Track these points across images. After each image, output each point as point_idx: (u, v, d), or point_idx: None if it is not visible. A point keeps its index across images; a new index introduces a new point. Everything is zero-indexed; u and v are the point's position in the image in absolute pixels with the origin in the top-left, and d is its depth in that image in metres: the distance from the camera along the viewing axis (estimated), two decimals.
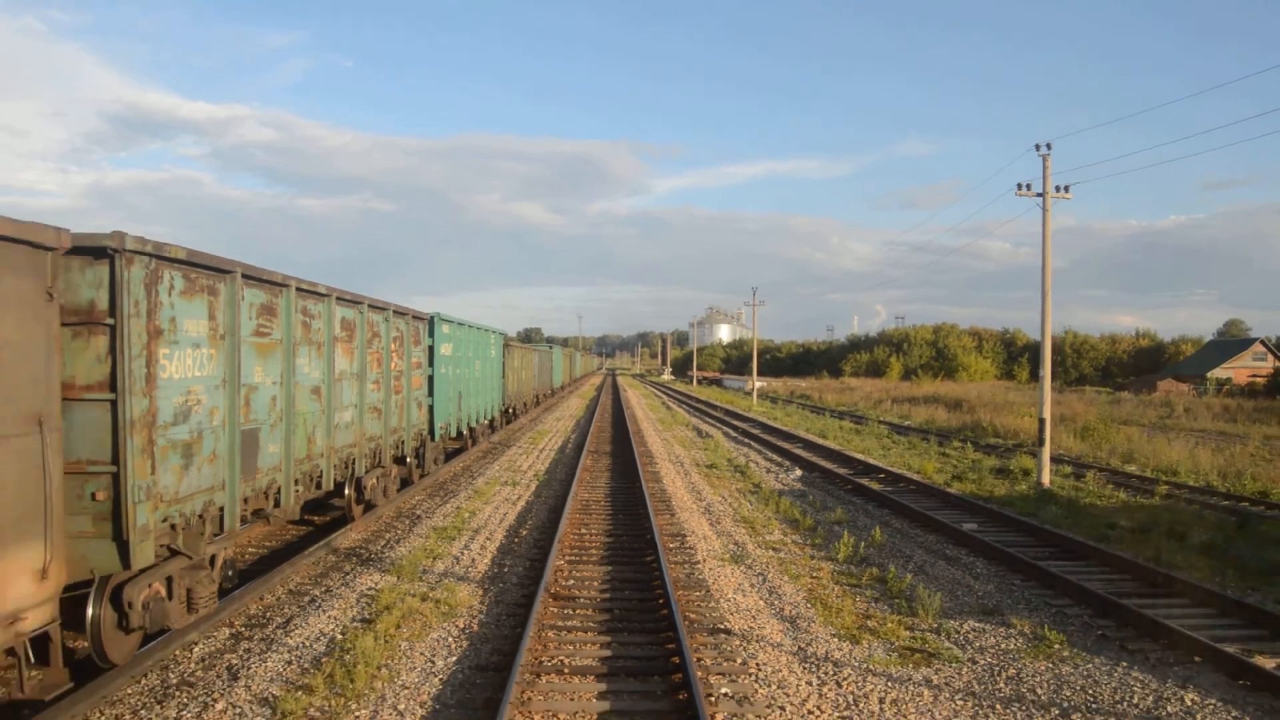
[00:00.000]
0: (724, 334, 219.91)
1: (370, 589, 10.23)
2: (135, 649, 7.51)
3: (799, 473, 22.19)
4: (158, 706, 6.87)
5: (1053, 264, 19.89)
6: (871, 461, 24.24)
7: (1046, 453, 19.80)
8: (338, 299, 11.18)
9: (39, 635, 6.12)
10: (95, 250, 6.50)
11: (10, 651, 5.96)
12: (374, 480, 13.04)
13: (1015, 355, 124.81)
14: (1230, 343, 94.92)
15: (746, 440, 31.38)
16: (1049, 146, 19.33)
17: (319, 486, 10.84)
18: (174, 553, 7.58)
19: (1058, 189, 19.67)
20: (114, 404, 6.36)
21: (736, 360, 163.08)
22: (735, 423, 39.49)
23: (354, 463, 12.03)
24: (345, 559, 11.83)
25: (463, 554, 12.16)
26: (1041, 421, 20.18)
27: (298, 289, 9.75)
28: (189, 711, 6.77)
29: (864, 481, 20.27)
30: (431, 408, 16.44)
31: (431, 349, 16.19)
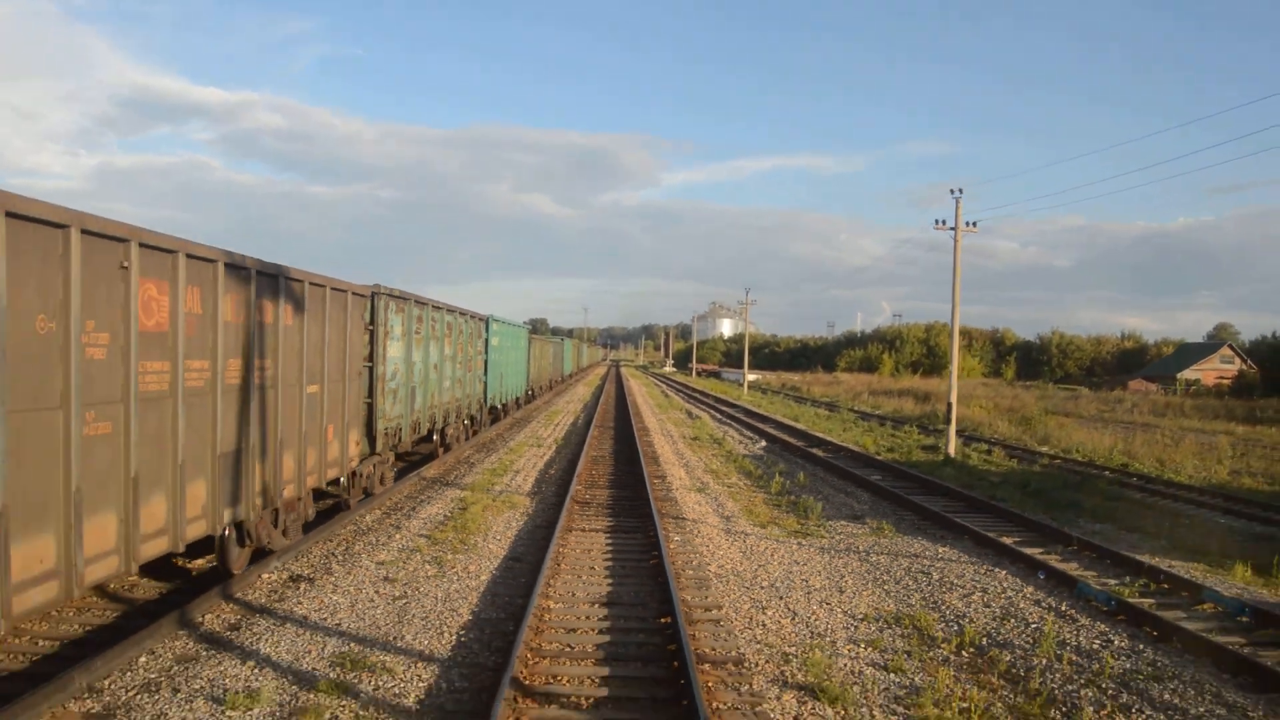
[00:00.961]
0: (726, 328, 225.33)
1: (457, 496, 15.80)
2: (360, 499, 13.26)
3: (764, 444, 27.78)
4: (374, 530, 12.46)
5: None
6: (827, 438, 29.81)
7: (953, 429, 25.36)
8: (445, 309, 16.81)
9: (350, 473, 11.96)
10: (370, 295, 12.26)
11: (342, 478, 11.72)
12: (452, 430, 18.67)
13: (1004, 354, 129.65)
14: (1201, 346, 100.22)
15: (729, 421, 36.98)
16: (961, 191, 24.81)
17: (431, 427, 16.52)
18: (383, 462, 13.26)
19: (968, 224, 25.16)
20: (371, 369, 12.14)
21: (736, 354, 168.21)
22: (723, 408, 45.07)
23: (445, 416, 17.67)
24: (432, 484, 17.40)
25: (511, 482, 17.74)
26: (949, 405, 25.72)
27: (432, 305, 15.43)
28: (385, 536, 12.35)
29: (813, 450, 25.85)
30: (485, 384, 22.09)
31: (486, 341, 21.85)
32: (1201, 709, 7.21)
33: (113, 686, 6.83)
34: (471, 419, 21.19)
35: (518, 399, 31.34)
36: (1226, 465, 24.88)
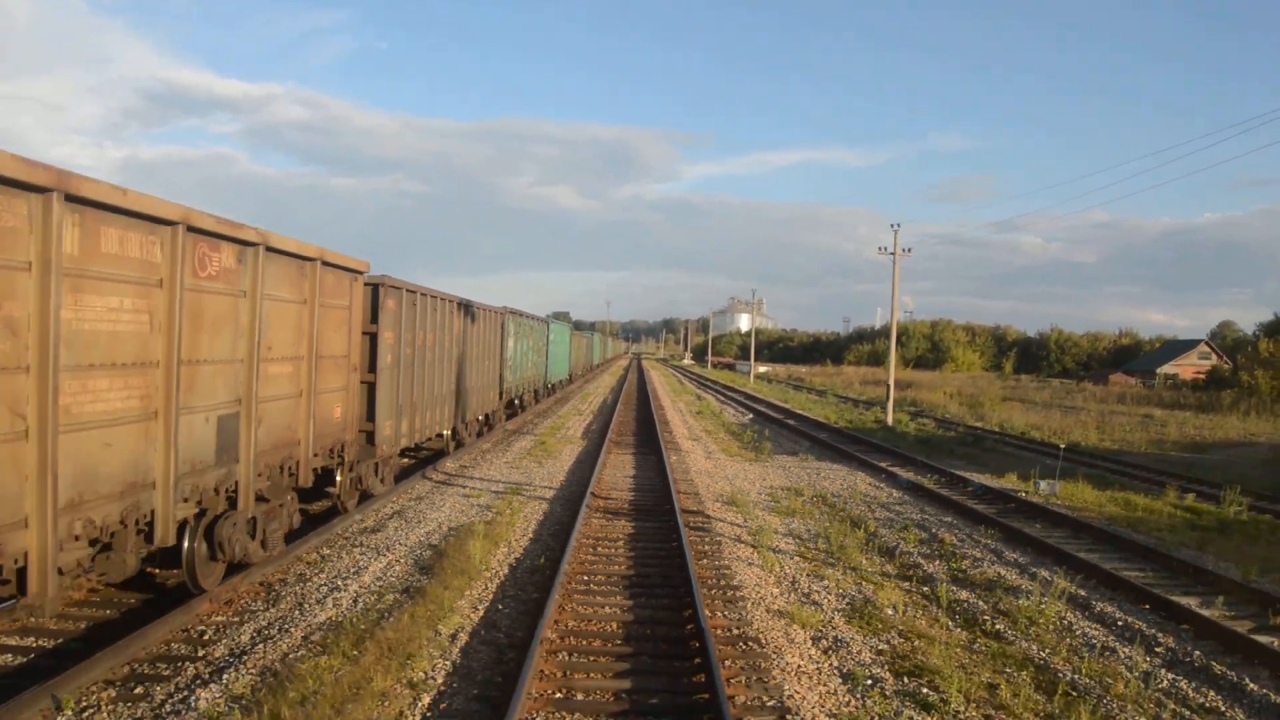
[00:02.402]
0: (743, 323, 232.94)
1: (534, 438, 24.23)
2: (488, 431, 21.80)
3: (751, 416, 36.12)
4: (496, 448, 20.94)
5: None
6: (803, 414, 38.07)
7: (891, 403, 33.56)
8: (529, 316, 25.34)
9: (490, 419, 20.36)
10: (503, 312, 20.61)
11: (490, 416, 20.18)
12: (527, 398, 27.20)
13: (1005, 349, 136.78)
14: (1183, 343, 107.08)
15: (730, 402, 45.32)
16: (899, 224, 32.94)
17: (517, 395, 25.07)
18: (502, 407, 21.72)
19: (904, 250, 33.32)
20: (501, 355, 20.63)
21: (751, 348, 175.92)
22: (729, 394, 53.40)
23: (527, 389, 26.20)
24: (511, 434, 25.84)
25: (567, 433, 26.16)
26: (888, 387, 33.89)
27: (524, 315, 23.94)
28: (500, 454, 20.80)
29: (787, 421, 34.13)
30: (546, 368, 30.61)
31: (547, 337, 30.38)
32: (938, 527, 15.46)
33: (415, 489, 15.29)
34: (536, 392, 29.79)
35: (562, 380, 39.96)
36: (1095, 434, 32.89)
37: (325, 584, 9.54)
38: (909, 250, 33.36)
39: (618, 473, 18.57)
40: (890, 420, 33.28)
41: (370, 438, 13.13)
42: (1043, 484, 18.10)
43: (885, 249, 33.08)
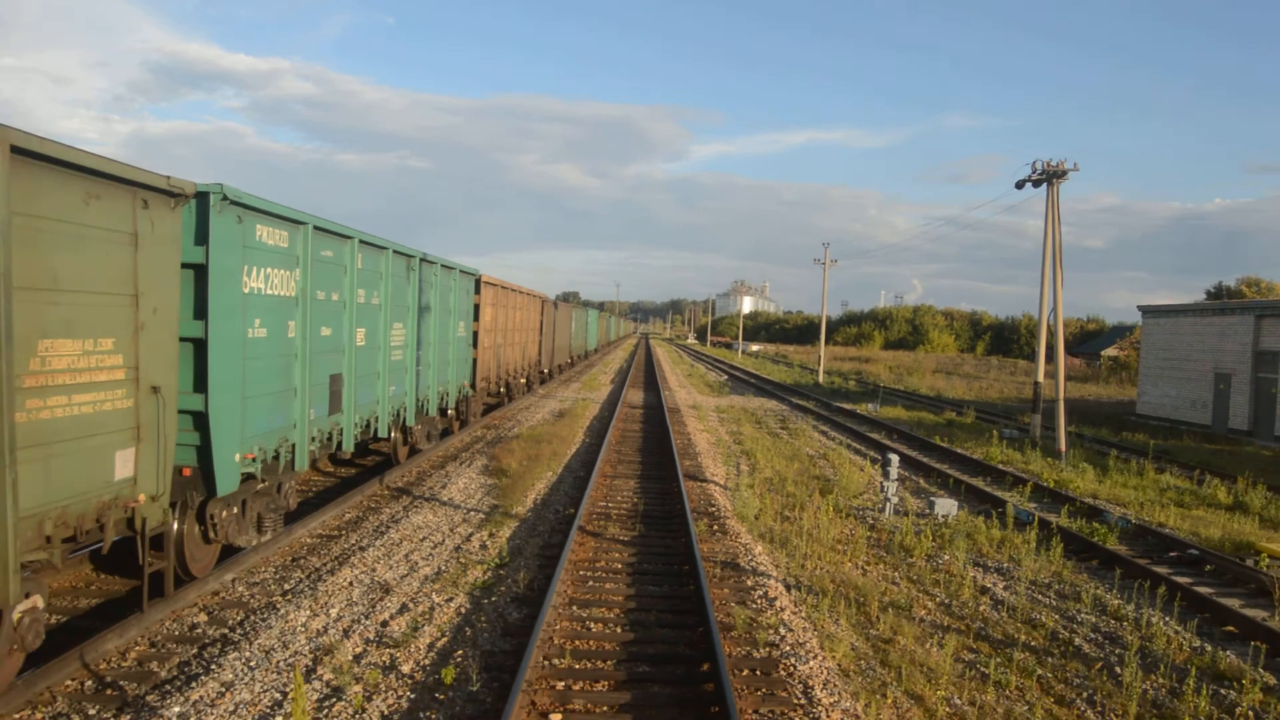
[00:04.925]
0: (746, 305, 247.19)
1: (581, 382, 38.39)
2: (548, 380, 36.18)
3: (726, 378, 50.33)
4: (560, 387, 35.15)
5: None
6: (766, 377, 52.20)
7: (822, 368, 47.61)
8: (576, 304, 39.42)
9: (531, 378, 34.75)
10: (555, 300, 34.81)
11: (545, 370, 34.54)
12: (578, 357, 41.41)
13: (980, 333, 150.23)
14: (1127, 327, 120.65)
15: (715, 369, 59.55)
16: (827, 245, 46.82)
17: (572, 357, 39.33)
18: (566, 361, 35.99)
19: (833, 260, 47.25)
20: (570, 330, 34.79)
21: (750, 329, 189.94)
22: (717, 365, 67.57)
23: (576, 352, 40.39)
24: (569, 379, 39.97)
25: (599, 382, 40.34)
26: (819, 357, 47.93)
27: (574, 303, 38.05)
28: (562, 388, 35.00)
29: (750, 381, 48.30)
30: (586, 340, 44.80)
31: (587, 318, 44.54)
32: (795, 419, 29.53)
33: (548, 389, 29.51)
34: (583, 354, 44.15)
35: (590, 351, 54.29)
36: (962, 390, 46.88)
37: (533, 405, 23.72)
38: (837, 261, 47.19)
39: (634, 396, 32.74)
40: (820, 380, 47.31)
41: (540, 365, 27.30)
42: (871, 405, 32.19)
43: (818, 260, 46.97)
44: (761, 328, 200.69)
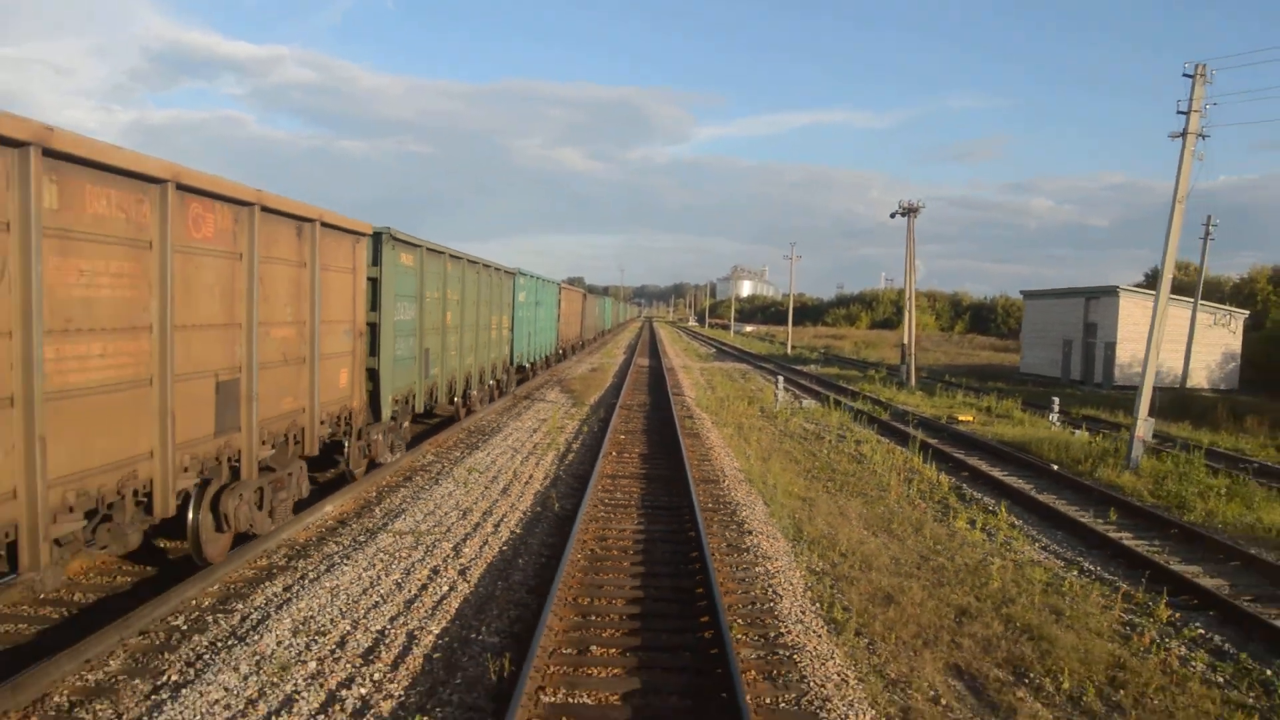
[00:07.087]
0: (745, 289, 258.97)
1: (600, 354, 50.46)
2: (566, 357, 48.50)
3: (714, 351, 62.45)
4: (581, 360, 47.27)
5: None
6: (748, 350, 64.21)
7: (790, 342, 59.67)
8: (600, 293, 51.43)
9: (571, 348, 46.98)
10: (584, 290, 46.79)
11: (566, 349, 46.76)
12: (599, 335, 53.53)
13: (960, 313, 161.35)
14: None
15: (707, 345, 71.69)
16: (795, 242, 58.67)
17: (595, 334, 51.49)
18: (591, 337, 48.16)
19: (797, 256, 59.13)
20: (598, 313, 46.93)
21: (748, 311, 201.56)
22: (711, 342, 79.63)
23: (598, 330, 52.47)
24: (592, 352, 52.02)
25: (613, 355, 52.41)
26: (789, 334, 59.93)
27: (597, 292, 50.18)
28: (585, 359, 47.11)
29: (731, 352, 60.37)
30: (602, 321, 56.86)
31: (603, 303, 56.59)
32: (756, 375, 41.58)
33: (578, 356, 41.63)
34: (601, 333, 56.20)
35: (601, 332, 66.54)
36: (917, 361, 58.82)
37: (572, 365, 35.79)
38: (801, 256, 58.90)
39: (642, 362, 44.80)
40: (789, 352, 59.28)
41: (580, 338, 39.40)
42: (815, 366, 44.26)
43: (786, 255, 58.71)
44: (758, 310, 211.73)
